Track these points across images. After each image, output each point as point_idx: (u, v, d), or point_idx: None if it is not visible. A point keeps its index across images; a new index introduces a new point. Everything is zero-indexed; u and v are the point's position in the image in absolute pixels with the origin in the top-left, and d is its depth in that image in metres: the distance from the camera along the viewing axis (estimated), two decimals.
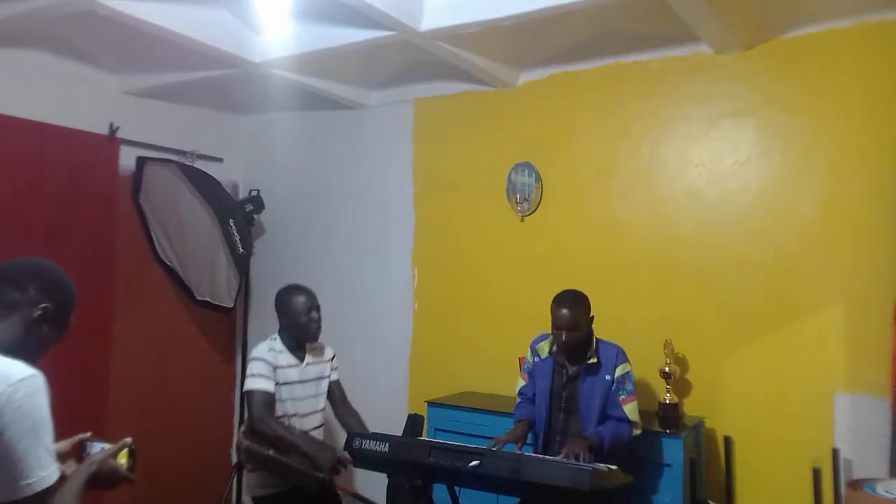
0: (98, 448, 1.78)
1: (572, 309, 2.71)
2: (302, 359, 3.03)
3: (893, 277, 2.82)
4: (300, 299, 2.99)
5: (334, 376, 3.15)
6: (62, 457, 1.77)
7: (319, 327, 3.03)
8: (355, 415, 3.09)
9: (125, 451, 1.77)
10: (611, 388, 2.74)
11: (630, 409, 2.72)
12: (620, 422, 2.71)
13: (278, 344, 3.01)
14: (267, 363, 2.91)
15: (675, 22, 2.89)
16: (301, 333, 3.00)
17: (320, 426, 3.08)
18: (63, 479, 1.54)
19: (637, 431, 2.75)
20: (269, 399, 2.87)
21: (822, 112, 3.04)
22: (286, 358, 2.99)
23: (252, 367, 2.92)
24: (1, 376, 1.42)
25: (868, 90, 2.94)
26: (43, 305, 1.61)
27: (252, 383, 2.88)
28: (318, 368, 3.09)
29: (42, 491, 1.42)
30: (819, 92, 3.05)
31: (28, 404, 1.42)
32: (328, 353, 3.17)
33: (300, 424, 2.96)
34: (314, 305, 3.02)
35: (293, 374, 2.98)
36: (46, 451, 1.45)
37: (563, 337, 2.71)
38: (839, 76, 3.00)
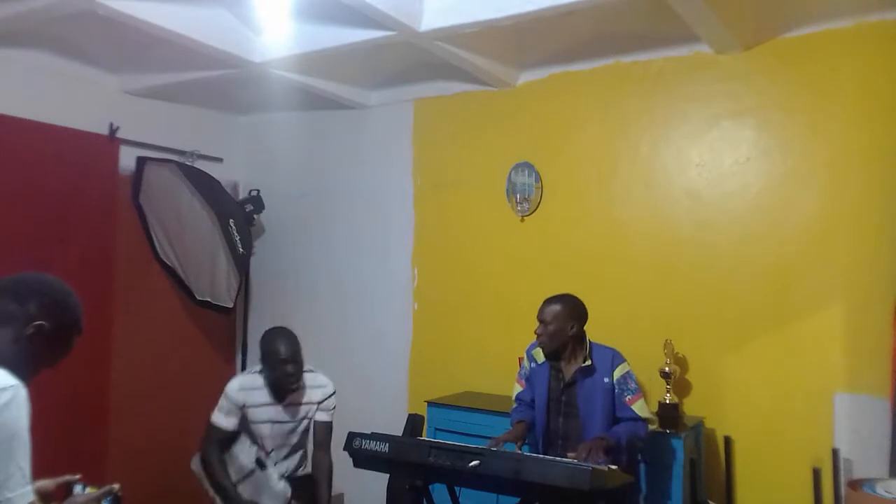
0: (81, 494, 1.71)
1: (550, 305, 2.78)
2: (280, 400, 2.93)
3: (893, 277, 2.82)
4: (277, 349, 2.83)
5: (322, 417, 2.99)
6: (47, 496, 1.71)
7: (294, 381, 2.86)
8: (326, 467, 2.96)
9: (109, 498, 1.70)
10: (612, 392, 2.74)
11: (639, 407, 2.74)
12: (633, 421, 2.72)
13: (259, 380, 2.93)
14: (231, 401, 2.89)
15: (675, 22, 2.89)
16: (275, 383, 2.89)
17: (291, 457, 3.03)
18: None
19: (652, 426, 2.79)
20: (222, 436, 2.90)
21: (822, 112, 3.04)
22: (261, 395, 2.91)
23: (220, 400, 2.93)
24: None
25: (867, 90, 2.94)
26: (38, 323, 1.53)
27: (213, 416, 2.92)
28: (298, 410, 2.97)
29: None
30: (819, 92, 3.05)
31: (3, 415, 1.34)
32: (319, 393, 2.99)
33: (266, 458, 2.96)
34: (290, 358, 2.82)
35: (264, 414, 2.92)
36: (18, 469, 1.36)
37: (537, 329, 2.77)
38: (839, 76, 3.00)
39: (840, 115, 3.00)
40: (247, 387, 2.92)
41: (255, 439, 2.96)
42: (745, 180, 3.21)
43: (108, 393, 3.83)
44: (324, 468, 2.97)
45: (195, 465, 2.96)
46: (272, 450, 2.98)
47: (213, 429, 2.90)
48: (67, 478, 1.74)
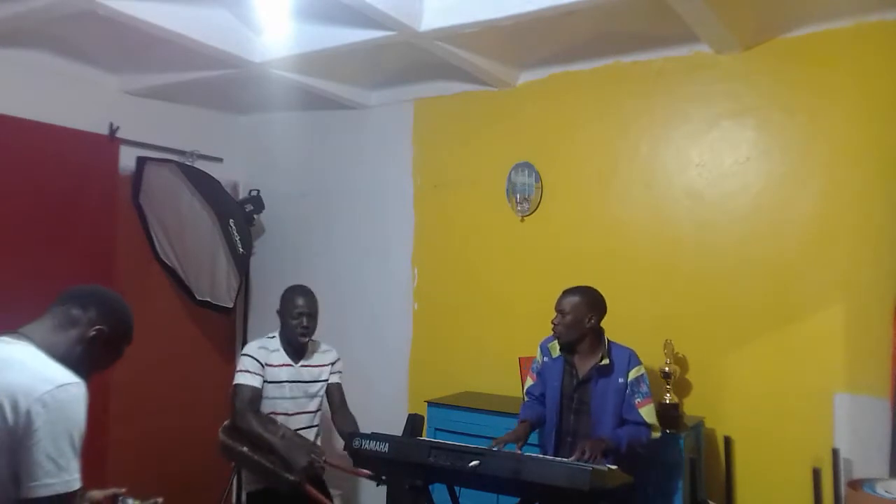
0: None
1: (569, 295, 2.77)
2: (296, 360, 3.04)
3: (893, 277, 2.82)
4: (296, 301, 3.01)
5: (334, 379, 3.14)
6: None
7: (305, 333, 3.00)
8: (352, 420, 3.06)
9: None
10: (625, 392, 2.72)
11: (646, 412, 2.71)
12: (638, 425, 2.70)
13: (274, 342, 3.04)
14: (255, 360, 2.96)
15: (675, 22, 2.89)
16: (288, 335, 3.03)
17: (310, 427, 3.07)
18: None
19: (656, 434, 2.74)
20: (253, 395, 2.91)
21: (822, 112, 3.04)
22: (279, 357, 3.01)
23: (240, 363, 2.98)
24: (49, 377, 1.51)
25: (867, 90, 2.94)
26: (98, 327, 1.70)
27: (238, 378, 2.94)
28: (313, 371, 3.08)
29: (68, 493, 1.47)
30: (819, 92, 3.05)
31: (69, 408, 1.50)
32: (330, 356, 3.15)
33: (286, 424, 2.97)
34: (307, 312, 3.00)
35: (283, 374, 3.00)
36: (76, 456, 1.51)
37: (554, 319, 2.76)
38: (839, 76, 3.00)
39: (840, 115, 3.00)
40: (267, 347, 3.02)
41: (274, 406, 2.98)
42: (745, 180, 3.21)
43: (108, 393, 3.82)
44: (354, 423, 3.04)
45: (223, 434, 2.91)
46: (293, 413, 3.00)
47: (241, 389, 2.91)
48: (114, 490, 1.91)
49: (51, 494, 1.44)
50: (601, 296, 2.80)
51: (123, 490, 1.92)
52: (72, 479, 1.48)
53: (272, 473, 2.78)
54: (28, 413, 1.44)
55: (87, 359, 1.69)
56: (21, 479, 1.44)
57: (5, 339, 1.62)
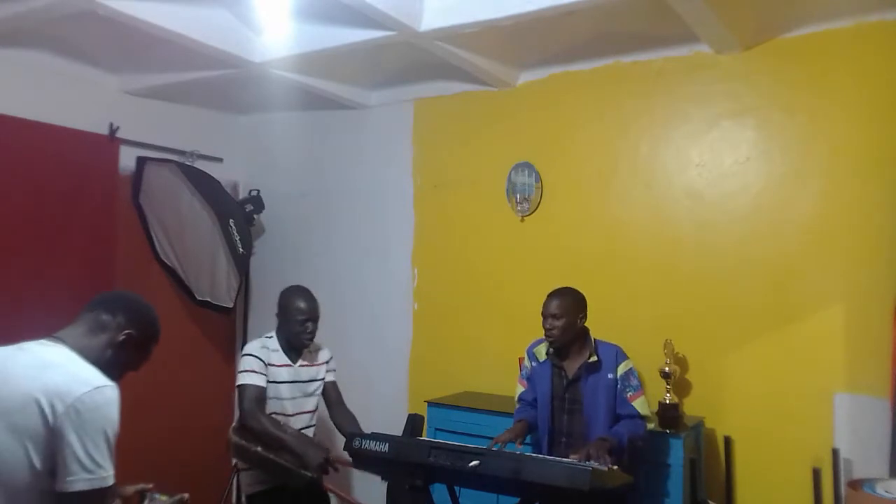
0: (155, 501, 1.99)
1: (558, 298, 2.78)
2: (295, 360, 3.04)
3: (893, 277, 2.82)
4: (300, 306, 2.98)
5: (330, 378, 3.14)
6: (126, 500, 1.97)
7: (310, 338, 3.01)
8: (351, 417, 3.07)
9: None
10: (615, 388, 2.75)
11: (640, 404, 2.75)
12: (633, 419, 2.74)
13: (273, 342, 3.03)
14: (258, 359, 2.94)
15: (675, 22, 2.89)
16: (291, 338, 3.01)
17: (308, 427, 3.07)
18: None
19: (651, 425, 2.80)
20: (260, 394, 2.90)
21: (822, 112, 3.04)
22: (278, 357, 3.00)
23: (244, 363, 2.95)
24: (86, 379, 1.60)
25: (867, 90, 2.94)
26: (127, 332, 1.78)
27: (243, 378, 2.91)
28: (310, 371, 3.08)
29: (103, 488, 1.56)
30: (819, 92, 3.05)
31: (105, 409, 1.59)
32: (324, 355, 3.15)
33: (287, 424, 2.96)
34: (311, 317, 2.99)
35: (283, 374, 2.99)
36: (111, 454, 1.59)
37: (546, 324, 2.76)
38: (839, 76, 3.00)
39: (840, 115, 3.00)
40: (267, 347, 3.01)
41: (275, 406, 2.97)
42: (745, 180, 3.21)
43: None
44: (353, 419, 3.05)
45: (234, 436, 2.90)
46: (293, 414, 3.00)
47: (247, 389, 2.88)
48: (142, 486, 2.00)
49: (87, 489, 1.52)
50: (583, 295, 2.84)
51: (150, 486, 2.01)
52: (107, 475, 1.56)
53: (287, 471, 2.77)
54: (66, 413, 1.52)
55: (118, 361, 1.77)
56: (58, 474, 1.51)
57: (43, 342, 1.69)
